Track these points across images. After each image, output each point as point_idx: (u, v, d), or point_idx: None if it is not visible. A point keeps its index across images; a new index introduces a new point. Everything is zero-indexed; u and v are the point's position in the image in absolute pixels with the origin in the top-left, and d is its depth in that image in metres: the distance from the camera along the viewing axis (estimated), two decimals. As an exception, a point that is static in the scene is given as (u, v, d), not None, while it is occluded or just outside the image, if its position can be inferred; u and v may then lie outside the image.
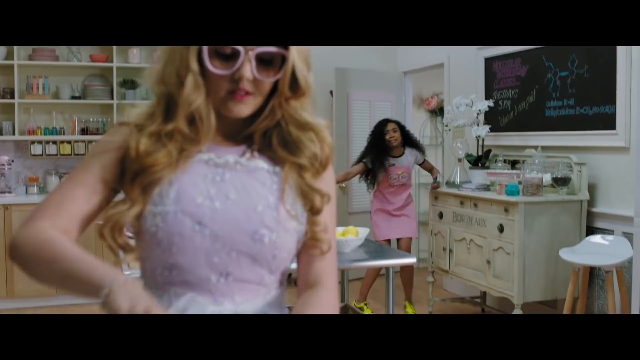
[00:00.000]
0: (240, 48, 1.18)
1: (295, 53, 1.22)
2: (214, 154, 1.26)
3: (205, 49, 1.18)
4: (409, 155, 5.50)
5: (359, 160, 5.51)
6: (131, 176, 1.21)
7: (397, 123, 5.58)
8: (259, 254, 1.23)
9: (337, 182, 5.70)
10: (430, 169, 5.64)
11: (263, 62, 1.21)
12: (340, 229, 3.45)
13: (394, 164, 5.44)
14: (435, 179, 5.50)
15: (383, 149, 5.43)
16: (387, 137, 5.40)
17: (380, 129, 5.49)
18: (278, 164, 1.29)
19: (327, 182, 1.33)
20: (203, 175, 1.24)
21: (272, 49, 1.20)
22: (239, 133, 1.30)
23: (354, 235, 3.30)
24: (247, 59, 1.18)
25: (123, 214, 1.20)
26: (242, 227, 1.22)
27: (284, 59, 1.22)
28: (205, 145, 1.25)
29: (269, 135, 1.28)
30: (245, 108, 1.22)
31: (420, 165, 5.62)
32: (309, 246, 1.31)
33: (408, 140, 5.58)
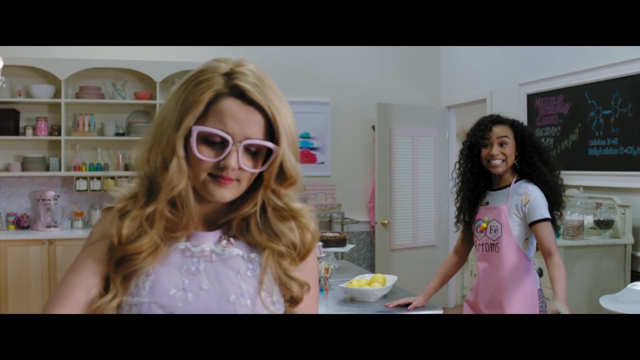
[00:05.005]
0: (229, 137, 1.17)
1: (285, 144, 1.19)
2: (190, 242, 1.25)
3: (194, 134, 1.17)
4: (516, 192, 2.93)
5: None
6: (115, 264, 1.20)
7: (513, 125, 2.98)
8: None
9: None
10: (546, 252, 2.87)
11: (250, 152, 1.20)
12: (367, 277, 3.38)
13: (486, 202, 3.04)
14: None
15: (477, 173, 3.04)
16: (486, 152, 2.95)
17: (475, 136, 3.00)
18: (255, 249, 1.27)
19: (307, 270, 1.30)
20: (179, 266, 1.23)
21: (261, 142, 1.18)
22: (218, 218, 1.29)
23: (381, 284, 3.22)
24: (235, 149, 1.17)
25: (107, 305, 1.19)
26: None
27: (271, 150, 1.20)
28: (185, 232, 1.24)
29: (247, 220, 1.26)
30: (228, 193, 1.21)
31: (531, 224, 2.90)
32: None
33: (530, 165, 2.94)
